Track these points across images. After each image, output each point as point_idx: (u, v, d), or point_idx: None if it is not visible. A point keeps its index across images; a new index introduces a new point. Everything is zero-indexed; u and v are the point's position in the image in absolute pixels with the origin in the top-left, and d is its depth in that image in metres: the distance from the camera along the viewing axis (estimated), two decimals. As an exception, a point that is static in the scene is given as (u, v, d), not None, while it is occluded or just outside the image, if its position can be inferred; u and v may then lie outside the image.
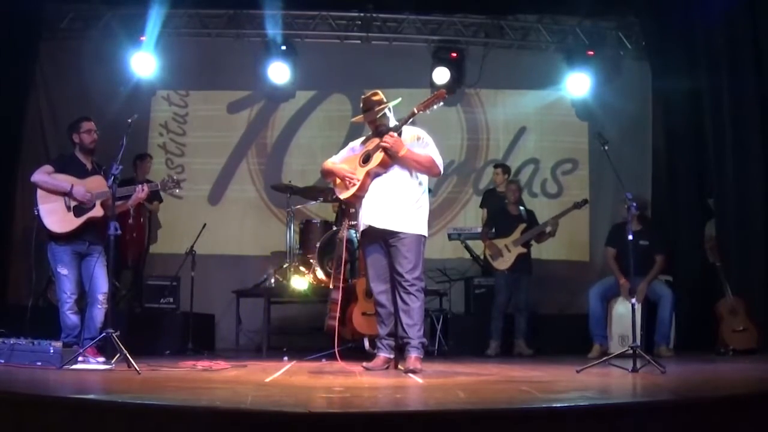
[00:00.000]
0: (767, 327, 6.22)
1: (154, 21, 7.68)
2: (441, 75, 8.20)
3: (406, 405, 3.04)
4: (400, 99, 4.90)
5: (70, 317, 5.01)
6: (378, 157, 4.62)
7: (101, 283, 5.04)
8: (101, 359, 4.60)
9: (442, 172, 4.77)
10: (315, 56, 8.40)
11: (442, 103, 4.63)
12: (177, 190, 5.32)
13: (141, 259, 7.41)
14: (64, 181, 5.05)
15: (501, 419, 2.57)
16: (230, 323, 7.27)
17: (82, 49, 7.91)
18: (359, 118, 4.89)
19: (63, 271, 5.03)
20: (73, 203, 5.04)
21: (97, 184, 5.09)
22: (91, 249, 5.12)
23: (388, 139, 4.53)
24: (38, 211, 5.03)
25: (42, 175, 5.06)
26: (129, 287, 7.34)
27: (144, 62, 7.84)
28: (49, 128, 8.00)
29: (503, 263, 6.85)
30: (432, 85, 8.24)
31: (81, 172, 5.14)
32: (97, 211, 5.05)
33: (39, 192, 5.05)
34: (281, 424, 2.47)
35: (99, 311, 5.01)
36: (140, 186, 5.21)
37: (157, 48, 7.83)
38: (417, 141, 4.67)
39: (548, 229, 6.99)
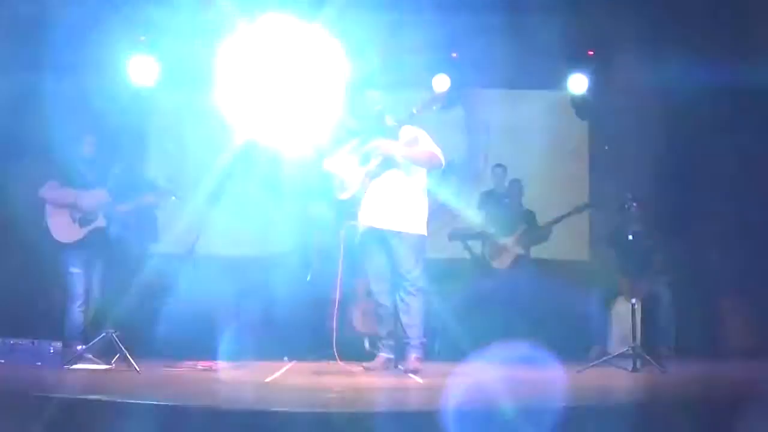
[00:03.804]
0: (767, 327, 6.22)
1: (155, 21, 7.67)
2: (440, 81, 8.17)
3: (406, 405, 3.04)
4: (394, 99, 4.89)
5: (77, 314, 5.34)
6: (377, 157, 4.62)
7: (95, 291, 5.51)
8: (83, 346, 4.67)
9: (443, 162, 4.76)
10: (315, 56, 8.38)
11: (440, 105, 4.66)
12: (173, 198, 5.78)
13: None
14: (68, 195, 5.47)
15: (501, 419, 2.57)
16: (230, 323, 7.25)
17: (83, 49, 7.89)
18: (354, 122, 4.91)
19: (76, 270, 5.43)
20: (78, 215, 5.48)
21: (99, 196, 5.48)
22: (96, 255, 5.55)
23: (380, 148, 4.54)
24: (47, 223, 5.47)
25: (49, 191, 5.51)
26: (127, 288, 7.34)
27: (144, 67, 7.79)
28: (50, 128, 7.98)
29: (501, 263, 6.86)
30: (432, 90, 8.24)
31: (83, 183, 5.54)
32: (101, 222, 5.48)
33: (48, 206, 5.49)
34: (281, 424, 2.47)
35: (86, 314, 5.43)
36: (149, 195, 5.83)
37: (156, 48, 7.81)
38: (414, 140, 4.68)
39: (546, 230, 6.98)
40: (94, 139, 5.65)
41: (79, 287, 5.38)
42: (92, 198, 5.47)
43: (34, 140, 7.68)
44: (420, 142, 4.68)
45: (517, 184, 7.23)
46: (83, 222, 5.45)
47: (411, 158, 4.60)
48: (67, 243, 5.43)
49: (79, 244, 5.45)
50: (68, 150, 5.68)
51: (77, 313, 5.31)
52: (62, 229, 5.44)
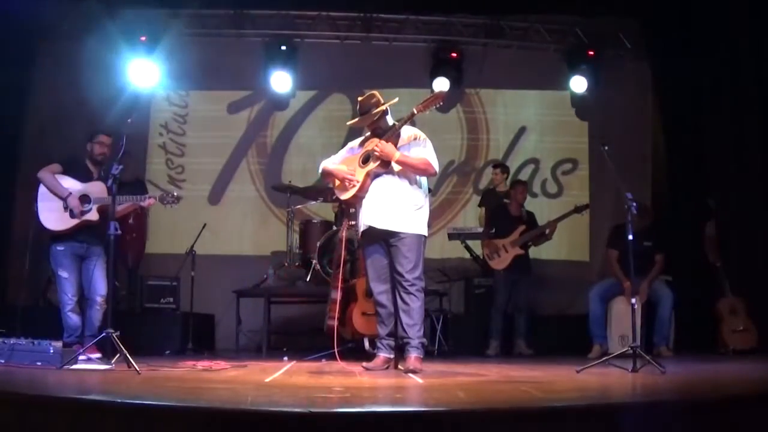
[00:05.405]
0: (767, 327, 6.23)
1: (155, 22, 7.69)
2: (441, 84, 8.17)
3: (406, 405, 3.04)
4: (397, 99, 4.90)
5: (72, 318, 5.18)
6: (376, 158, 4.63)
7: (99, 286, 5.21)
8: (98, 355, 4.62)
9: (437, 171, 4.75)
10: (315, 56, 8.40)
11: (441, 103, 4.69)
12: (174, 205, 5.38)
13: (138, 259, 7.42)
14: (65, 187, 5.23)
15: (501, 419, 2.57)
16: (230, 323, 7.27)
17: (83, 50, 7.90)
18: (355, 121, 4.91)
19: (63, 274, 5.21)
20: (70, 205, 5.21)
21: (98, 189, 5.26)
22: (90, 251, 5.29)
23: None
24: (37, 207, 5.22)
25: (47, 174, 5.25)
26: (128, 287, 7.34)
27: (145, 71, 7.78)
28: (50, 129, 7.99)
29: (500, 263, 6.86)
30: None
31: (86, 178, 5.32)
32: (92, 215, 5.22)
33: (41, 189, 5.25)
34: (281, 424, 2.47)
35: (97, 312, 5.19)
36: (148, 196, 5.36)
37: (157, 48, 7.82)
38: (414, 141, 4.68)
39: (546, 231, 7.00)
40: (109, 140, 5.39)
41: (68, 292, 5.18)
42: (90, 189, 5.23)
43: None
44: (419, 146, 4.68)
45: (518, 185, 7.23)
46: (74, 213, 5.19)
47: (405, 165, 4.61)
48: (53, 231, 5.19)
49: (67, 236, 5.21)
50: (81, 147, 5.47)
51: (70, 316, 5.16)
52: (51, 215, 5.18)
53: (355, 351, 5.75)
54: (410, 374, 4.36)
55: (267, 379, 3.94)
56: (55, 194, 5.21)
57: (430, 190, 5.05)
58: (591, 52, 8.28)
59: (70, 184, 5.26)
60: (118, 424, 2.54)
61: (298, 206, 7.26)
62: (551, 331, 7.07)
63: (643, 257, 6.04)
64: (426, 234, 4.74)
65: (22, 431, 2.61)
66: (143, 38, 7.77)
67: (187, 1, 7.88)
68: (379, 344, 4.85)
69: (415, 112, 4.63)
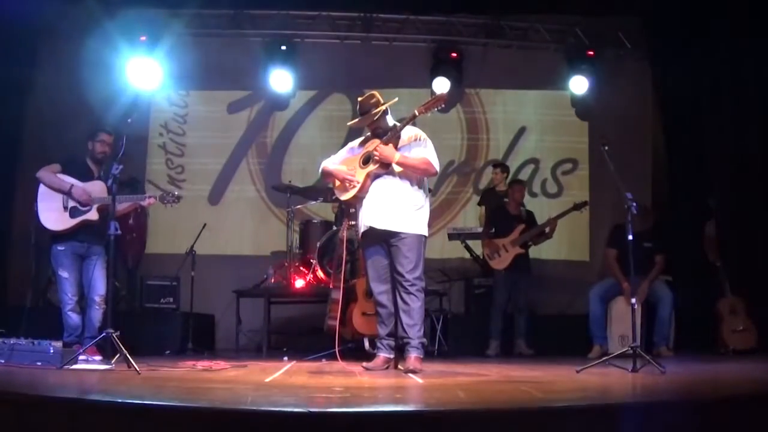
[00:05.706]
0: (767, 327, 6.23)
1: (155, 22, 7.68)
2: (441, 84, 8.17)
3: (406, 405, 3.04)
4: (396, 99, 4.91)
5: (72, 318, 5.18)
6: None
7: (98, 286, 5.20)
8: (99, 357, 4.61)
9: (438, 171, 4.78)
10: (315, 56, 8.40)
11: (443, 105, 4.69)
12: (174, 205, 5.38)
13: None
14: (65, 181, 5.22)
15: (501, 419, 2.57)
16: (230, 323, 7.27)
17: (83, 50, 7.90)
18: (355, 122, 4.91)
19: (64, 274, 5.21)
20: (70, 204, 5.22)
21: (97, 188, 5.26)
22: (91, 251, 5.29)
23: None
24: (36, 207, 5.23)
25: (47, 172, 5.26)
26: (128, 287, 7.34)
27: (145, 71, 7.76)
28: (50, 129, 7.98)
29: (500, 263, 6.86)
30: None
31: (86, 177, 5.31)
32: (92, 215, 5.21)
33: (41, 188, 5.25)
34: (281, 424, 2.47)
35: (96, 312, 5.18)
36: (148, 196, 5.33)
37: (157, 48, 7.82)
38: (414, 141, 4.69)
39: (546, 230, 7.00)
40: (111, 138, 5.36)
41: (68, 292, 5.18)
42: (90, 188, 5.22)
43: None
44: (420, 146, 4.68)
45: (515, 184, 7.23)
46: (74, 213, 5.18)
47: (406, 166, 4.61)
48: (53, 231, 5.20)
49: (67, 236, 5.20)
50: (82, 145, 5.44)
51: (70, 315, 5.16)
52: (51, 215, 5.19)
53: (355, 351, 5.75)
54: (410, 374, 4.36)
55: (267, 379, 3.94)
56: (58, 189, 5.20)
57: (430, 190, 5.06)
58: (591, 52, 8.28)
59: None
60: (118, 424, 2.54)
61: (298, 206, 7.26)
62: (551, 331, 7.06)
63: (643, 257, 6.04)
64: (426, 234, 4.74)
65: (21, 431, 2.61)
66: (143, 38, 7.76)
67: (187, 1, 7.87)
68: (379, 344, 4.85)
69: (417, 113, 4.63)
